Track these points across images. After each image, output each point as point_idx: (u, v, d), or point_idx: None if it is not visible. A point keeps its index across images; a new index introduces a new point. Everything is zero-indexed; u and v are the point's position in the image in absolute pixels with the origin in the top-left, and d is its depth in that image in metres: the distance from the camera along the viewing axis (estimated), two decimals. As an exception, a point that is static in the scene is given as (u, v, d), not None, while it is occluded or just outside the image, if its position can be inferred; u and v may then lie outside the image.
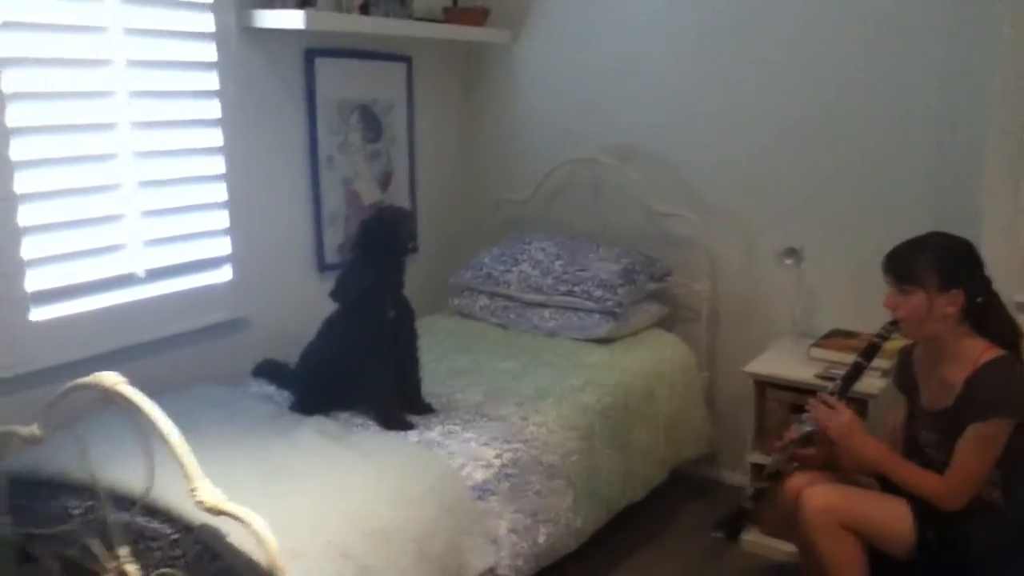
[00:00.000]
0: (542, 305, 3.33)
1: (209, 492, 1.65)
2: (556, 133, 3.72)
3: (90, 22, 2.43)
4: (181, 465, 1.66)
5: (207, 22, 2.74)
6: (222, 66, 2.79)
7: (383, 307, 2.50)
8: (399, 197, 3.58)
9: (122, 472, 1.90)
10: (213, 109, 2.79)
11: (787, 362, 3.03)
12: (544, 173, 3.67)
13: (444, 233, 3.85)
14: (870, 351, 2.29)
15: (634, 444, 2.90)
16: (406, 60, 3.55)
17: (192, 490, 1.65)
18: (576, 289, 3.25)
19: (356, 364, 2.47)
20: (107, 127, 2.50)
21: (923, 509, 2.14)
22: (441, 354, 3.04)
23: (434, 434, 2.41)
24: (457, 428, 2.45)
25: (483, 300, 3.45)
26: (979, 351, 2.14)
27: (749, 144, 3.33)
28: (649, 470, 2.97)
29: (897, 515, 2.16)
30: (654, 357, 3.19)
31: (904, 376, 2.38)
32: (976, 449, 2.08)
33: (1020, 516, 2.14)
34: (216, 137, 2.80)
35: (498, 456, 2.36)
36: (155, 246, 2.65)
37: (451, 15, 3.59)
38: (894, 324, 2.23)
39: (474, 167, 3.96)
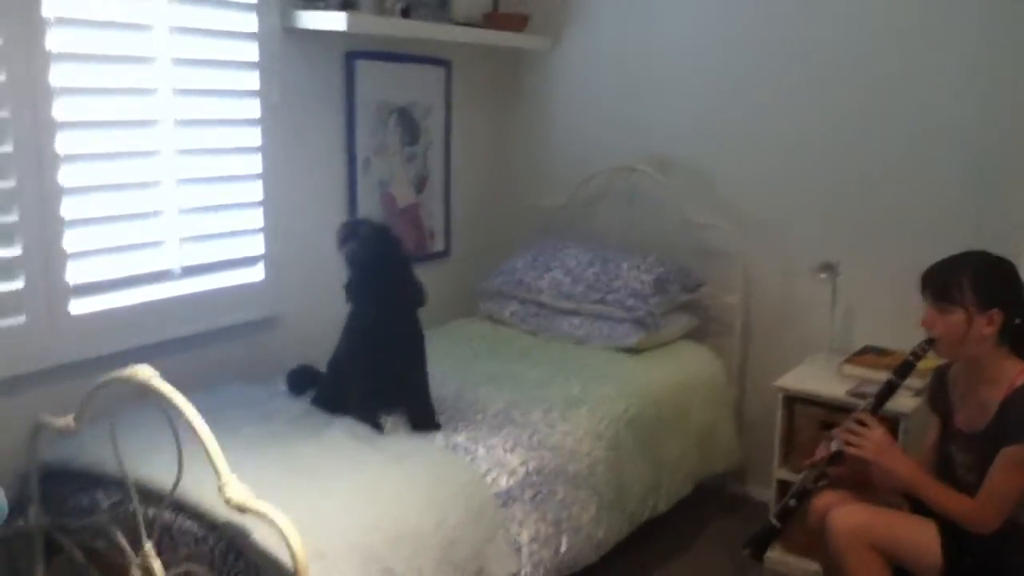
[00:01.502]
0: (573, 312, 3.32)
1: (237, 489, 1.67)
2: (592, 141, 3.71)
3: (137, 19, 2.46)
4: (210, 461, 1.67)
5: (251, 22, 2.77)
6: (264, 66, 2.82)
7: (361, 315, 2.49)
8: (433, 201, 3.59)
9: (152, 467, 1.92)
10: (253, 109, 2.82)
11: (818, 378, 2.99)
12: (579, 181, 3.66)
13: (477, 238, 3.86)
14: (904, 369, 2.26)
15: (663, 456, 2.88)
16: (445, 64, 3.56)
17: (220, 486, 1.67)
18: (608, 298, 3.24)
19: (346, 364, 2.49)
20: (150, 123, 2.53)
21: (957, 532, 2.10)
22: (470, 359, 3.05)
23: (461, 438, 2.41)
24: (483, 434, 2.45)
25: (514, 306, 3.45)
26: (1016, 372, 2.11)
27: (786, 156, 3.30)
28: (676, 483, 2.95)
29: (926, 537, 2.12)
30: (684, 369, 3.17)
31: (938, 396, 2.34)
32: (1010, 472, 2.05)
33: None
34: (255, 137, 2.83)
35: (523, 463, 2.36)
36: (191, 243, 2.68)
37: (491, 20, 3.60)
38: (930, 343, 2.20)
39: (509, 173, 3.97)
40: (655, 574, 2.96)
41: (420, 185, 3.52)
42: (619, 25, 3.59)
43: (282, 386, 2.69)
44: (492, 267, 3.62)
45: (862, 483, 2.30)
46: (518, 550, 2.23)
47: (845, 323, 3.22)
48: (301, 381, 2.66)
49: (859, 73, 3.12)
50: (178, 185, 2.61)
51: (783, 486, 2.91)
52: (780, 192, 3.34)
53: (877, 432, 2.18)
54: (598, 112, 3.70)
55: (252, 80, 2.81)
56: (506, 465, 2.33)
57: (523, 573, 2.24)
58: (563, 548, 2.37)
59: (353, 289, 2.49)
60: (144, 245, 2.56)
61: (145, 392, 1.75)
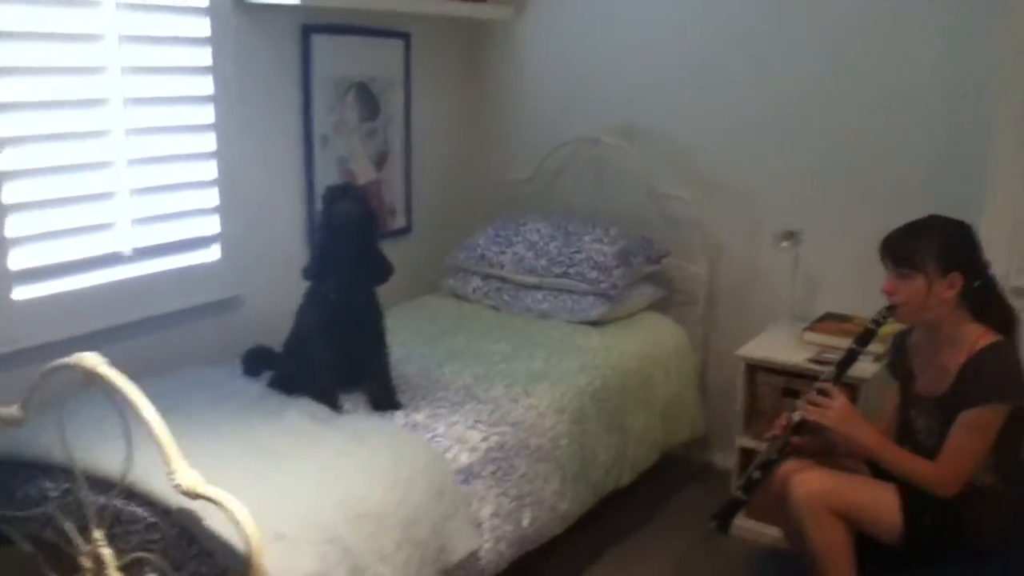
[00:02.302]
0: (536, 287, 3.31)
1: (187, 475, 1.65)
2: (558, 112, 3.68)
3: (82, -2, 2.41)
4: (160, 447, 1.65)
5: (201, -4, 2.71)
6: (216, 42, 2.76)
7: (324, 287, 2.45)
8: (394, 177, 3.56)
9: (101, 455, 1.89)
10: (206, 86, 2.76)
11: (780, 346, 3.01)
12: (545, 153, 3.63)
13: (442, 213, 3.82)
14: (865, 337, 2.28)
15: (627, 427, 2.89)
16: (404, 37, 3.51)
17: (170, 473, 1.65)
18: (571, 271, 3.24)
19: (305, 342, 2.46)
20: (98, 103, 2.47)
21: (917, 495, 2.13)
22: (433, 336, 3.03)
23: (421, 416, 2.40)
24: (445, 411, 2.44)
25: (476, 281, 3.43)
26: (976, 336, 2.12)
27: (752, 126, 3.30)
28: (641, 454, 2.97)
29: (886, 501, 2.15)
30: (649, 340, 3.18)
31: (899, 362, 2.36)
32: (970, 435, 2.07)
33: (1016, 500, 2.14)
34: (208, 114, 2.77)
35: (484, 439, 2.36)
36: (143, 224, 2.63)
37: (451, -10, 3.55)
38: (890, 309, 2.21)
39: (474, 146, 3.93)
40: (622, 544, 2.98)
41: (380, 161, 3.48)
42: (581, -6, 3.55)
43: (240, 368, 2.67)
44: (456, 243, 3.59)
45: (825, 451, 2.33)
46: (479, 526, 2.24)
47: (807, 291, 3.24)
48: (257, 362, 2.63)
49: (825, 45, 3.11)
50: (129, 166, 2.56)
51: (746, 454, 2.94)
52: (744, 162, 3.34)
53: (839, 401, 2.20)
54: (563, 83, 3.67)
55: (204, 56, 2.75)
56: (467, 442, 2.33)
57: (485, 548, 2.25)
58: (526, 522, 2.38)
59: (321, 260, 2.44)
60: (94, 228, 2.51)
61: (92, 379, 1.72)
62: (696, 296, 3.44)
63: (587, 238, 3.31)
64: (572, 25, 3.60)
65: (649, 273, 3.39)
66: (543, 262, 3.29)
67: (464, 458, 2.28)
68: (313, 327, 2.46)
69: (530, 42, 3.72)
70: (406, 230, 3.65)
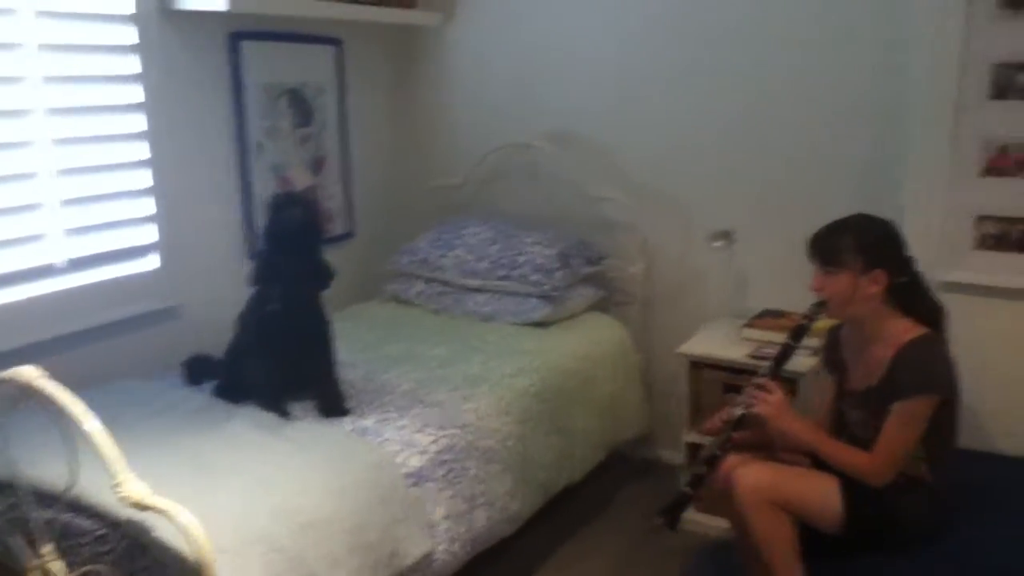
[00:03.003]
0: (478, 290, 3.32)
1: (134, 487, 1.61)
2: (491, 118, 3.70)
3: (1, 4, 2.33)
4: (104, 460, 1.61)
5: (126, 4, 2.65)
6: (143, 49, 2.71)
7: (266, 300, 2.43)
8: (332, 182, 3.53)
9: (45, 469, 1.84)
10: (136, 94, 2.71)
11: (720, 342, 3.08)
12: (478, 158, 3.65)
13: (381, 218, 3.81)
14: (798, 332, 2.33)
15: (572, 427, 2.91)
16: (336, 43, 3.49)
17: (116, 485, 1.61)
18: (512, 273, 3.25)
19: (249, 351, 2.44)
20: (20, 113, 2.41)
21: (857, 486, 2.18)
22: (377, 341, 3.02)
23: (369, 422, 2.39)
24: (393, 415, 2.43)
25: (419, 286, 3.43)
26: (903, 330, 2.18)
27: (683, 129, 3.36)
28: (587, 452, 3.00)
29: (826, 492, 2.20)
30: (591, 340, 3.21)
31: (832, 356, 2.43)
32: (901, 426, 2.13)
33: (946, 489, 2.21)
34: (140, 122, 2.72)
35: (434, 442, 2.36)
36: (77, 235, 2.57)
37: (381, -3, 3.54)
38: (820, 305, 2.27)
39: (408, 152, 3.92)
40: (572, 541, 3.01)
41: (317, 167, 3.45)
42: (513, 0, 3.58)
43: (181, 378, 2.61)
44: (396, 248, 3.58)
45: (766, 445, 2.38)
46: (431, 528, 2.23)
47: (742, 288, 3.32)
48: (198, 370, 2.59)
49: (756, 51, 3.18)
50: (58, 176, 2.49)
51: (692, 449, 2.99)
52: (676, 165, 3.40)
53: (776, 396, 2.24)
54: (494, 88, 3.69)
55: (133, 64, 2.70)
56: (416, 445, 2.32)
57: (439, 550, 2.25)
58: (478, 523, 2.39)
59: (267, 267, 2.41)
60: (23, 240, 2.44)
61: (30, 394, 1.67)
62: (635, 296, 3.50)
63: (528, 241, 3.34)
64: (502, 32, 3.63)
65: (589, 274, 3.43)
66: (485, 265, 3.31)
67: (414, 461, 2.28)
68: (259, 335, 2.43)
69: (461, 48, 3.74)
70: (346, 236, 3.63)
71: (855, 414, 2.29)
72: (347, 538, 2.00)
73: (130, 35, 2.68)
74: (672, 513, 2.34)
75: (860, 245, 2.17)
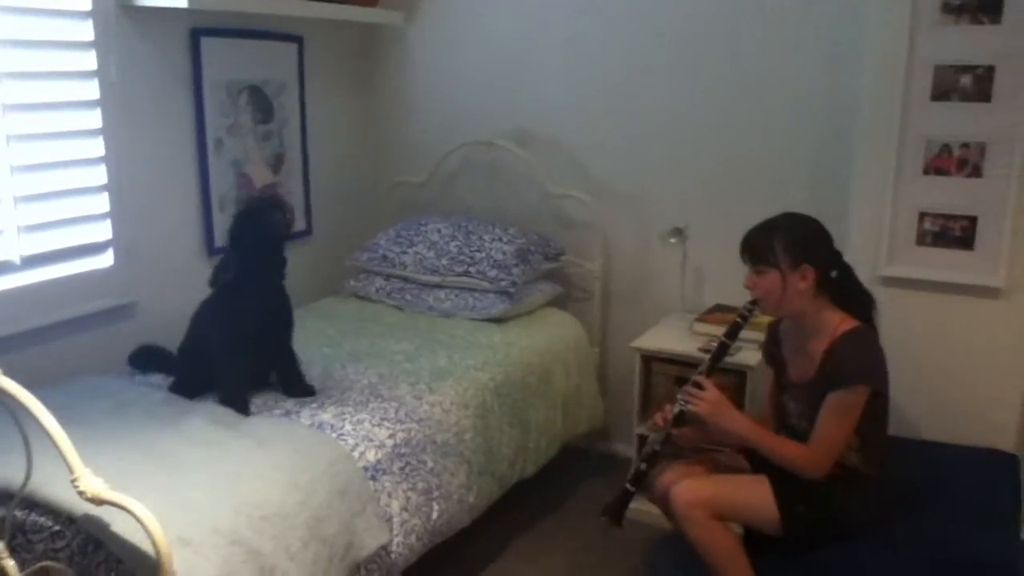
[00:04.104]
0: (438, 286, 3.36)
1: (91, 482, 1.63)
2: (452, 116, 3.74)
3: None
4: (61, 455, 1.62)
5: (83, 0, 2.65)
6: (100, 45, 2.70)
7: (242, 303, 2.47)
8: (292, 179, 3.54)
9: (0, 467, 1.84)
10: (91, 90, 2.70)
11: (672, 337, 3.15)
12: (440, 156, 3.68)
13: (340, 216, 3.83)
14: (733, 330, 2.38)
15: (530, 420, 2.96)
16: (297, 40, 3.50)
17: (73, 480, 1.62)
18: (471, 270, 3.30)
19: (216, 350, 2.46)
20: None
21: (788, 486, 2.22)
22: (337, 337, 3.04)
23: (327, 416, 2.42)
24: (351, 410, 2.46)
25: (379, 282, 3.46)
26: (837, 323, 2.25)
27: (639, 129, 3.43)
28: (543, 446, 3.05)
29: (760, 497, 2.24)
30: (548, 335, 3.27)
31: (772, 351, 2.48)
32: (835, 417, 2.19)
33: (881, 479, 2.28)
34: (95, 119, 2.72)
35: (391, 436, 2.39)
36: (31, 232, 2.56)
37: (342, -6, 3.56)
38: (755, 303, 2.33)
39: (370, 149, 3.95)
40: (527, 534, 3.06)
41: (277, 164, 3.46)
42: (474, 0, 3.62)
43: (139, 375, 2.62)
44: (357, 245, 3.61)
45: (708, 441, 2.44)
46: (388, 520, 2.27)
47: (695, 284, 3.40)
48: (144, 360, 2.64)
49: (709, 53, 3.25)
50: (13, 173, 2.48)
51: (643, 442, 3.04)
52: (632, 164, 3.46)
53: (711, 393, 2.28)
54: (456, 87, 3.73)
55: (89, 60, 2.69)
56: (374, 439, 2.36)
57: (396, 542, 2.28)
58: (435, 515, 2.43)
59: (241, 269, 2.43)
60: (-24, 237, 2.44)
61: (-14, 389, 1.68)
62: (592, 292, 3.56)
63: (487, 237, 3.38)
64: (463, 31, 3.67)
65: (547, 271, 3.49)
66: (444, 261, 3.34)
67: (371, 455, 2.31)
68: (235, 334, 2.45)
69: (422, 47, 3.77)
70: (306, 232, 3.65)
71: (794, 407, 2.35)
72: (304, 531, 2.02)
73: (87, 31, 2.67)
74: (616, 510, 2.38)
75: (787, 243, 2.24)
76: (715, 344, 2.39)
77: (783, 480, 2.24)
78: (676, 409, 2.33)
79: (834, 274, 2.28)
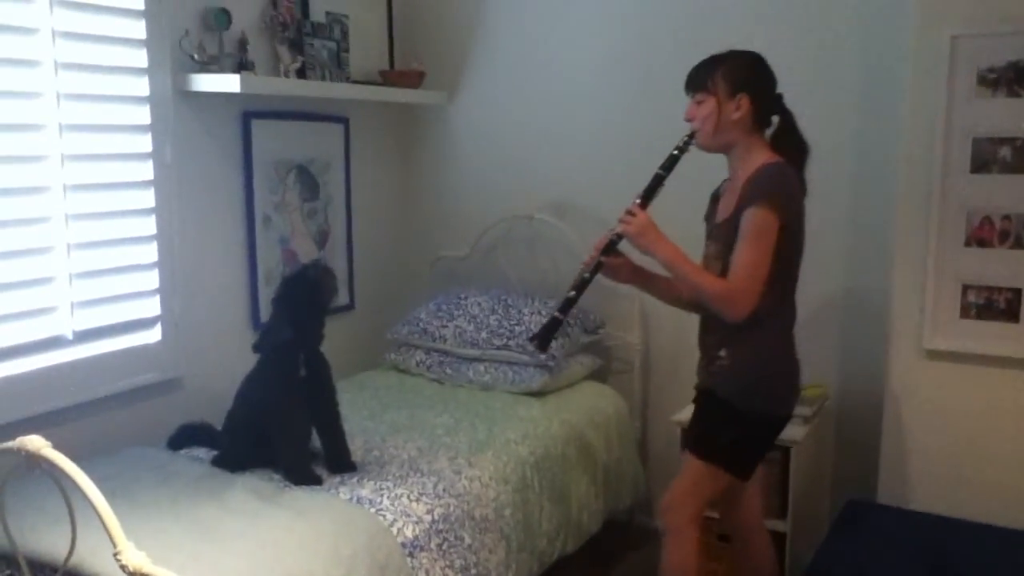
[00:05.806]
0: (477, 359, 3.38)
1: (133, 555, 1.64)
2: (493, 190, 3.81)
3: (25, 87, 2.46)
4: (105, 528, 1.65)
5: (142, 86, 2.78)
6: (156, 128, 2.82)
7: (295, 365, 2.51)
8: (336, 255, 3.62)
9: (44, 539, 1.88)
10: (146, 171, 2.81)
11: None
12: (481, 230, 3.74)
13: (381, 290, 3.89)
14: (669, 162, 2.42)
15: (571, 496, 2.94)
16: (343, 121, 3.62)
17: (116, 554, 1.65)
18: (511, 343, 3.31)
19: (268, 420, 2.49)
20: (40, 190, 2.51)
21: (705, 435, 2.44)
22: (377, 410, 3.07)
23: (366, 491, 2.42)
24: (389, 484, 2.46)
25: (419, 355, 3.49)
26: (764, 159, 2.29)
27: (676, 200, 3.43)
28: (584, 521, 3.01)
29: (693, 468, 2.41)
30: (588, 408, 3.25)
31: (710, 211, 2.52)
32: (748, 242, 2.21)
33: (791, 329, 2.38)
34: (148, 198, 2.82)
35: (429, 512, 2.39)
36: (84, 308, 2.65)
37: (387, 77, 3.69)
38: (691, 136, 2.37)
39: (412, 225, 4.03)
40: (568, 613, 3.00)
41: (322, 240, 3.55)
42: (511, 79, 3.72)
43: (184, 449, 2.66)
44: (397, 318, 3.65)
45: (635, 272, 2.54)
46: (427, 598, 2.25)
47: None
48: (182, 440, 2.69)
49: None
50: (69, 250, 2.58)
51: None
52: (671, 232, 3.43)
53: (641, 216, 2.36)
54: (496, 163, 3.81)
55: (144, 143, 2.81)
56: (412, 515, 2.35)
57: (432, 621, 2.26)
58: (473, 593, 2.40)
59: (298, 336, 2.49)
60: (34, 312, 2.52)
61: (35, 463, 1.72)
62: (632, 364, 3.54)
63: (526, 310, 3.41)
64: (501, 108, 3.76)
65: (587, 343, 3.49)
66: (484, 335, 3.37)
67: (410, 531, 2.31)
68: (280, 404, 2.48)
69: (463, 125, 3.87)
70: (349, 307, 3.71)
71: (713, 248, 2.39)
72: (345, 606, 2.02)
73: (144, 115, 2.80)
74: (544, 337, 2.53)
75: (726, 71, 2.30)
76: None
77: (697, 440, 2.44)
78: (610, 236, 2.39)
79: (767, 110, 2.31)
